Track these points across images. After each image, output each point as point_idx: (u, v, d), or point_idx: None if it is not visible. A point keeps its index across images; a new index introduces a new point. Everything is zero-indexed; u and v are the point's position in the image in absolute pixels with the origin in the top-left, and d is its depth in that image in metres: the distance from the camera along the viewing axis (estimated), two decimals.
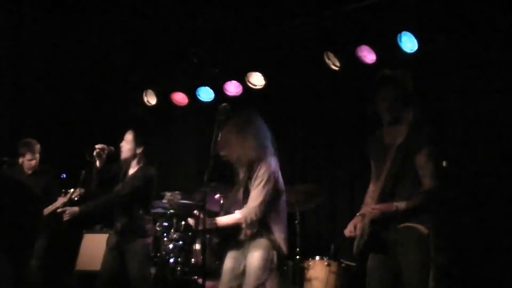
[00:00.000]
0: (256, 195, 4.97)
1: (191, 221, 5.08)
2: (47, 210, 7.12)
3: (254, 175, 5.04)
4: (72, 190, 6.78)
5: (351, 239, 4.75)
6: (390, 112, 4.58)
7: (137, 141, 6.16)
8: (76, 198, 6.63)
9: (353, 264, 4.75)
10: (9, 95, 8.66)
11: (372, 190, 4.82)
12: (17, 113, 8.76)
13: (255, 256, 4.95)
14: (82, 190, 6.66)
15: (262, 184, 4.97)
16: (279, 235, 5.02)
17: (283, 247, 5.01)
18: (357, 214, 4.79)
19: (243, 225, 4.97)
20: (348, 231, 4.74)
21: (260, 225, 4.98)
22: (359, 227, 4.67)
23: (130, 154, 6.18)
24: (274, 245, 4.98)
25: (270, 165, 5.03)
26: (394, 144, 4.48)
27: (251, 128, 5.15)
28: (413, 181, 4.39)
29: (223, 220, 5.05)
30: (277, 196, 5.05)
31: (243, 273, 5.02)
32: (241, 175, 5.23)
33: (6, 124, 8.58)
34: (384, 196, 4.44)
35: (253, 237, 5.00)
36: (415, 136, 4.37)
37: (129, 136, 6.18)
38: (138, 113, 9.26)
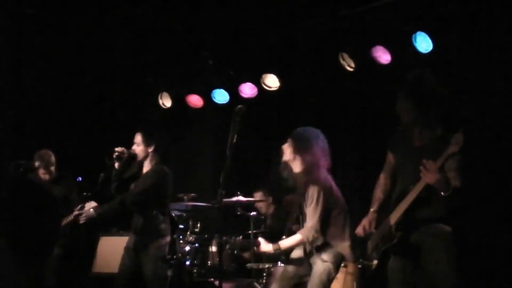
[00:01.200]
0: (311, 215, 5.26)
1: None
2: (65, 221, 7.17)
3: (306, 195, 5.34)
4: (87, 204, 6.79)
5: (364, 237, 4.74)
6: (412, 120, 4.55)
7: (147, 140, 6.20)
8: None
9: (371, 263, 4.73)
10: (13, 97, 8.73)
11: (384, 183, 4.80)
12: (38, 118, 8.81)
13: (317, 272, 5.29)
14: (95, 205, 6.68)
15: (314, 203, 5.24)
16: (342, 245, 5.30)
17: (348, 254, 5.31)
18: (371, 209, 4.77)
19: (306, 243, 5.34)
20: (360, 229, 4.72)
21: (324, 240, 5.29)
22: (374, 224, 4.66)
23: (143, 155, 6.22)
24: (335, 259, 5.29)
25: (320, 182, 5.30)
26: (424, 148, 4.46)
27: (304, 149, 5.40)
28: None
29: (286, 243, 5.46)
30: (331, 210, 5.31)
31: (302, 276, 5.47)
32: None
33: (24, 126, 8.66)
34: (405, 193, 4.43)
35: (317, 249, 5.32)
36: (447, 145, 4.31)
37: (138, 138, 6.23)
38: (149, 115, 9.29)
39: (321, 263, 5.29)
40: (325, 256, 5.31)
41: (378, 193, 4.82)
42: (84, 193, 7.01)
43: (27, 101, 8.82)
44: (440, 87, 4.51)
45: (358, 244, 5.09)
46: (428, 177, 4.24)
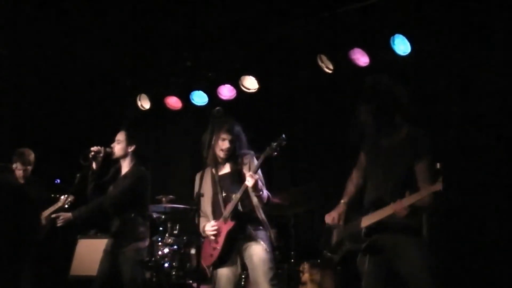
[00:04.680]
0: None
1: None
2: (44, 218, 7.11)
3: None
4: (62, 197, 6.75)
5: (332, 227, 4.76)
6: (375, 124, 4.59)
7: (129, 140, 6.18)
8: (66, 206, 6.60)
9: (335, 257, 4.72)
10: (7, 100, 8.68)
11: (356, 177, 4.86)
12: (13, 118, 8.76)
13: None
14: (73, 197, 6.63)
15: None
16: None
17: None
18: (342, 201, 4.80)
19: None
20: (331, 219, 4.74)
21: None
22: (343, 217, 4.69)
23: (122, 153, 6.18)
24: None
25: None
26: (391, 149, 4.53)
27: None
28: (408, 183, 4.39)
29: None
30: None
31: None
32: None
33: (6, 128, 8.60)
34: (379, 201, 4.46)
35: None
36: (413, 144, 4.43)
37: (120, 136, 6.20)
38: (129, 114, 9.24)
39: None
40: None
41: (350, 187, 4.88)
42: (60, 197, 6.98)
43: (6, 101, 8.78)
44: (398, 88, 4.55)
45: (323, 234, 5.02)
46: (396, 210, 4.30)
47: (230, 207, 5.24)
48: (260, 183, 5.20)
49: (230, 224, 5.22)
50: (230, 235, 5.21)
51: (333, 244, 4.73)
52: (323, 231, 4.90)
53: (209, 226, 5.30)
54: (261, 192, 5.21)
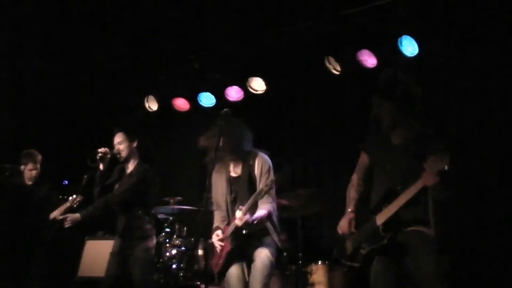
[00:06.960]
0: None
1: None
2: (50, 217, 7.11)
3: None
4: (71, 198, 6.76)
5: (345, 237, 4.74)
6: (395, 115, 4.59)
7: (130, 136, 6.19)
8: (75, 205, 6.60)
9: (356, 265, 4.67)
10: (10, 100, 8.70)
11: (357, 184, 4.83)
12: (18, 118, 8.78)
13: None
14: (81, 197, 6.63)
15: None
16: None
17: None
18: (348, 210, 4.77)
19: None
20: (343, 227, 4.72)
21: None
22: (353, 224, 4.67)
23: (128, 151, 6.17)
24: None
25: None
26: (401, 146, 4.52)
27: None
28: (417, 173, 4.35)
29: None
30: None
31: None
32: None
33: (8, 129, 8.61)
34: (393, 194, 4.45)
35: None
36: (424, 142, 4.44)
37: (119, 137, 6.18)
38: (137, 116, 9.26)
39: None
40: None
41: (353, 193, 4.84)
42: (69, 198, 6.98)
43: (12, 103, 8.81)
44: (414, 85, 4.56)
45: (336, 244, 4.99)
46: (428, 179, 4.24)
47: (229, 229, 5.12)
48: (250, 219, 4.94)
49: (228, 248, 5.12)
50: (230, 255, 5.12)
51: (350, 252, 4.69)
52: (336, 241, 4.87)
53: (215, 237, 5.21)
54: (255, 224, 5.00)
